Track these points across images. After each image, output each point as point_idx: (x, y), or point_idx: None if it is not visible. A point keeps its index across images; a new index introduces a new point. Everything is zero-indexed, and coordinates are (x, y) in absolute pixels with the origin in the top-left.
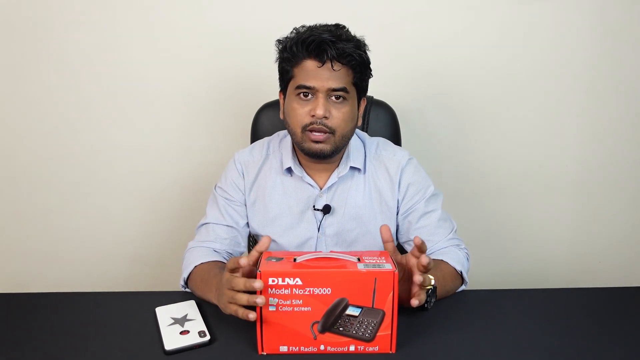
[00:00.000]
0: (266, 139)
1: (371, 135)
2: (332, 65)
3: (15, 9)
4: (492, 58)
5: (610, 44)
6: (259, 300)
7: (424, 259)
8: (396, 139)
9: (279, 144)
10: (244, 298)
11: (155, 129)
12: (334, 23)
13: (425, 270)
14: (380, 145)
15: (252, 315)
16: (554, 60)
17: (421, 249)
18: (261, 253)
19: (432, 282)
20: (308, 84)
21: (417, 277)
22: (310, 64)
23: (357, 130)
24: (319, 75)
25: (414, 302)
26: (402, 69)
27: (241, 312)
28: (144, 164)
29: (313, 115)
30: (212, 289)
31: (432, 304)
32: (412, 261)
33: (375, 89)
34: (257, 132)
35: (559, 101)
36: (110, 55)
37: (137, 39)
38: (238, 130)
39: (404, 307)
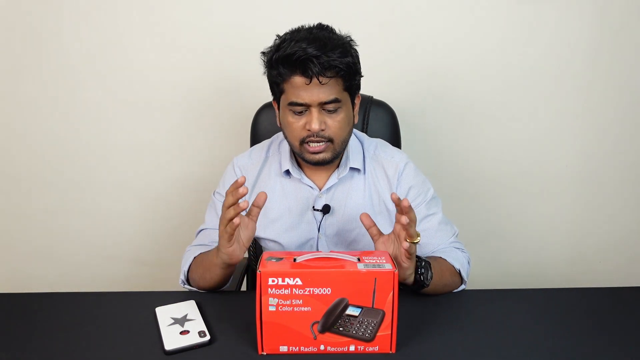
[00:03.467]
0: (266, 142)
1: (371, 135)
2: (319, 80)
3: (15, 9)
4: (492, 58)
5: (611, 44)
6: (242, 204)
7: (404, 219)
8: (396, 139)
9: (278, 147)
10: (230, 212)
11: (155, 129)
12: (316, 24)
13: (409, 236)
14: (378, 146)
15: (235, 220)
16: (554, 60)
17: (400, 207)
18: (259, 208)
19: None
20: (299, 100)
21: (405, 243)
22: (298, 80)
23: (355, 131)
24: (308, 91)
25: (405, 245)
26: (402, 69)
27: (229, 226)
28: (144, 164)
29: (309, 130)
30: (213, 252)
31: (429, 280)
32: (397, 228)
33: (375, 89)
34: (257, 133)
35: (558, 101)
36: (110, 55)
37: (137, 39)
38: (238, 130)
39: (404, 306)
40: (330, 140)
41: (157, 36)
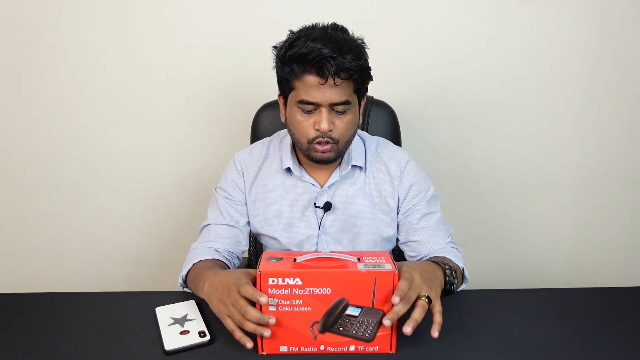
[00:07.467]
0: (267, 139)
1: (371, 135)
2: (333, 81)
3: (16, 9)
4: (492, 58)
5: (610, 44)
6: (266, 333)
7: (395, 299)
8: (396, 139)
9: (279, 144)
10: (250, 326)
11: (156, 129)
12: (330, 23)
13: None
14: (380, 144)
15: (249, 344)
16: (554, 61)
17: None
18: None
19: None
20: (310, 99)
21: (407, 329)
22: (311, 79)
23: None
24: (321, 90)
25: (407, 330)
26: (402, 69)
27: (238, 335)
28: (145, 164)
29: (317, 129)
30: (203, 282)
31: (455, 285)
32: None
33: (375, 89)
34: (257, 132)
35: (558, 101)
36: (111, 55)
37: (137, 39)
38: (238, 130)
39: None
40: (336, 141)
41: (158, 36)
